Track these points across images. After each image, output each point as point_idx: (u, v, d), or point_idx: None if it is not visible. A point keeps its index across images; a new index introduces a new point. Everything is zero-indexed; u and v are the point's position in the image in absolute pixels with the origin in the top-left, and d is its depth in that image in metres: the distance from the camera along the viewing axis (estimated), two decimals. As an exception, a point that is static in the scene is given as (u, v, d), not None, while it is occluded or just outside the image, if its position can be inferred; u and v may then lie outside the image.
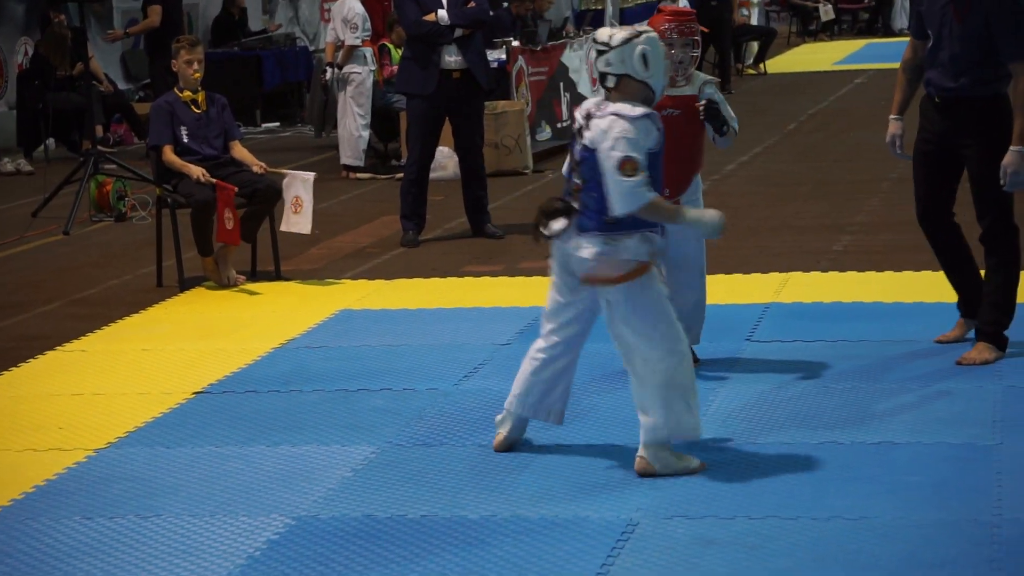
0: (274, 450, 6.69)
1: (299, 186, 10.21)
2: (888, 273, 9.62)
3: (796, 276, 9.58)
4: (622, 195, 6.04)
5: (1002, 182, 7.33)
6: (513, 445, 6.51)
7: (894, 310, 8.69)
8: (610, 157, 6.03)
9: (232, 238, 9.90)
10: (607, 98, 6.19)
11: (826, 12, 31.11)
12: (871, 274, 9.61)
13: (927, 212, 7.74)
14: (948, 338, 7.84)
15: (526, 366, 6.48)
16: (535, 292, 9.54)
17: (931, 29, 7.55)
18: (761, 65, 24.36)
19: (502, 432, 6.53)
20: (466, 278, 10.17)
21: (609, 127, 6.05)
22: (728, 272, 9.76)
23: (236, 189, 9.91)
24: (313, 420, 7.10)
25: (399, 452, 6.59)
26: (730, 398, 7.10)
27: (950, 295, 8.44)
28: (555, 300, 6.45)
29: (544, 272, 10.13)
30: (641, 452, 6.14)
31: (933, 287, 9.06)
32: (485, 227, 11.62)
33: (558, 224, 6.19)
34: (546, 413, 6.46)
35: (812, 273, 9.71)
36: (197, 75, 10.22)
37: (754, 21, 24.94)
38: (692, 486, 5.97)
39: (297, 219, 10.21)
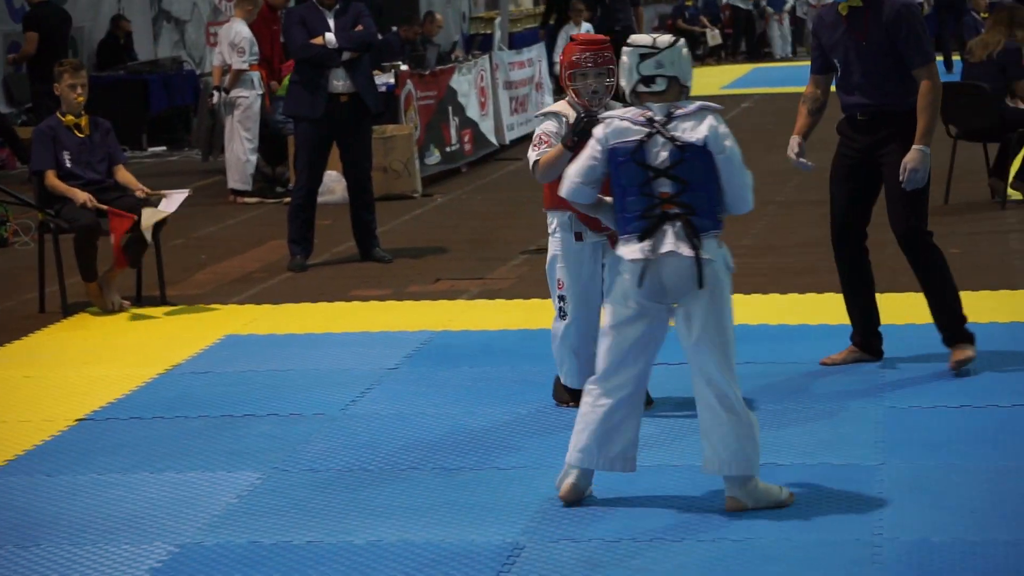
0: (158, 477, 6.61)
1: (174, 203, 10.09)
2: (774, 295, 9.70)
3: (683, 299, 9.61)
4: (749, 191, 5.94)
5: (901, 179, 7.49)
6: (582, 496, 6.06)
7: (779, 332, 8.76)
8: (734, 155, 5.89)
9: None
10: (638, 103, 5.96)
11: (713, 37, 31.41)
12: (757, 296, 9.68)
13: (844, 230, 7.84)
14: (835, 360, 7.92)
15: (590, 417, 6.00)
16: (423, 316, 9.53)
17: (837, 58, 7.71)
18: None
19: (570, 480, 6.04)
20: (354, 302, 10.13)
21: (718, 124, 5.91)
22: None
23: (135, 218, 9.82)
24: (198, 446, 7.03)
25: (285, 478, 6.53)
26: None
27: (834, 317, 8.53)
28: (621, 335, 5.97)
29: (432, 296, 10.17)
30: (732, 492, 5.89)
31: (818, 309, 9.16)
32: (373, 251, 11.58)
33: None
34: (622, 462, 6.04)
35: (699, 296, 9.75)
36: (80, 99, 10.11)
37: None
38: (578, 509, 5.97)
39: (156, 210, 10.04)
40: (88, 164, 10.10)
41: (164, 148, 19.75)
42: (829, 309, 9.01)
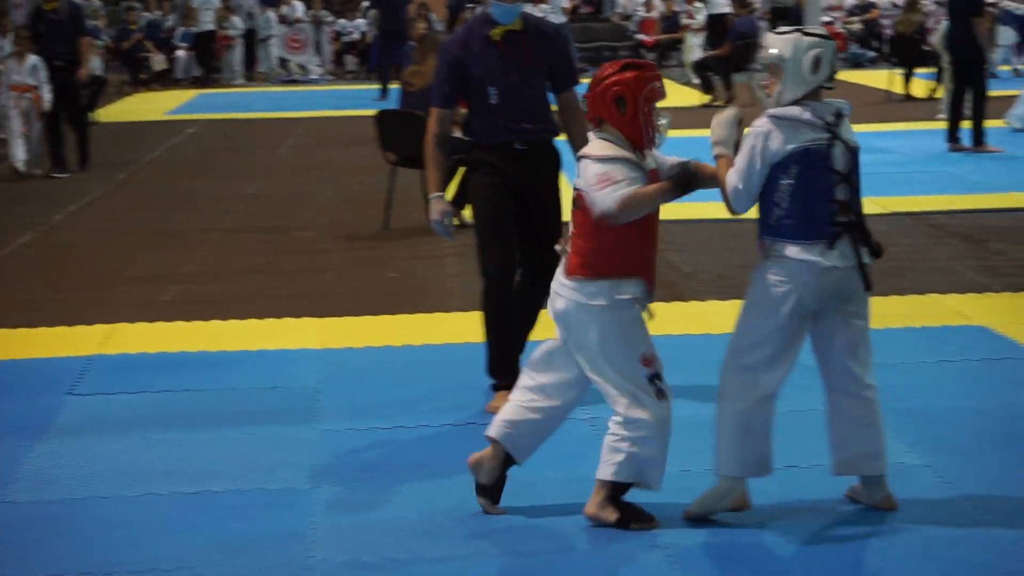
0: None
1: None
2: (215, 322, 9.68)
3: (122, 327, 9.48)
4: None
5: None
6: None
7: (219, 359, 8.74)
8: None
9: None
10: (819, 98, 5.68)
11: (158, 62, 31.09)
12: (198, 323, 9.63)
13: (508, 262, 7.42)
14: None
15: (745, 428, 5.75)
16: None
17: (493, 86, 7.34)
18: (92, 114, 24.00)
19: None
20: None
21: None
22: (51, 325, 9.57)
23: None
24: None
25: None
26: (50, 454, 6.94)
27: (265, 343, 8.57)
28: (784, 341, 5.73)
29: None
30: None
31: (238, 335, 9.17)
32: None
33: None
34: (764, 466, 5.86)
35: (138, 324, 9.62)
36: None
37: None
38: (20, 546, 5.79)
39: None
40: None
41: None
42: (267, 334, 9.10)
